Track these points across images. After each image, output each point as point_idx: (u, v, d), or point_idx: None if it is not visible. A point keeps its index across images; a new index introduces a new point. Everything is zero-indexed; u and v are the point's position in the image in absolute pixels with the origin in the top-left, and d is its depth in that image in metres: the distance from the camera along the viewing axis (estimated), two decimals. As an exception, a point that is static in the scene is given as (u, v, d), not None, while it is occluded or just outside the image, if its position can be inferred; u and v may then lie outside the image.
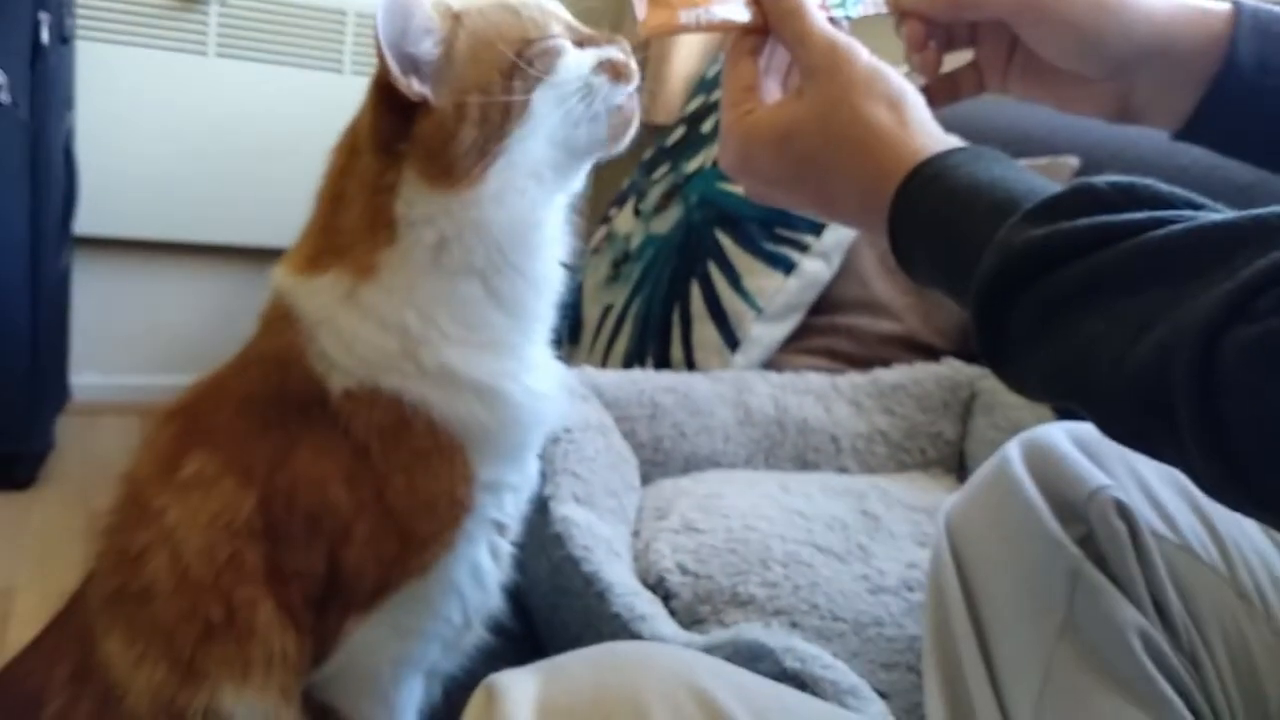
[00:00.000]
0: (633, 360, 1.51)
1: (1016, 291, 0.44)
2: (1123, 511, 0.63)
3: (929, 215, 0.50)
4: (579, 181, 0.79)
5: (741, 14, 0.60)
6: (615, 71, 0.74)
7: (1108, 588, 0.62)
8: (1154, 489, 0.69)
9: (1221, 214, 0.42)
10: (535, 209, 0.74)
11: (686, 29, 0.61)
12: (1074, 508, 0.65)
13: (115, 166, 1.87)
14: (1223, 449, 0.37)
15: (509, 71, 0.71)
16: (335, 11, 1.95)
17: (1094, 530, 0.64)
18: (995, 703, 0.65)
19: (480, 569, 0.80)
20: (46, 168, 1.62)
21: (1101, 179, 0.45)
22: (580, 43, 0.75)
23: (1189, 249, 0.40)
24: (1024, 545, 0.67)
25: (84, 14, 1.78)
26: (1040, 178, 0.50)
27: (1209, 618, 0.63)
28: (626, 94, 0.75)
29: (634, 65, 0.75)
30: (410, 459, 0.74)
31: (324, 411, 0.74)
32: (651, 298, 1.54)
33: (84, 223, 1.79)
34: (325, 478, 0.74)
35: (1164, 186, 0.45)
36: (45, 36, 1.55)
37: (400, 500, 0.74)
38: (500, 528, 0.81)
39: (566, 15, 0.77)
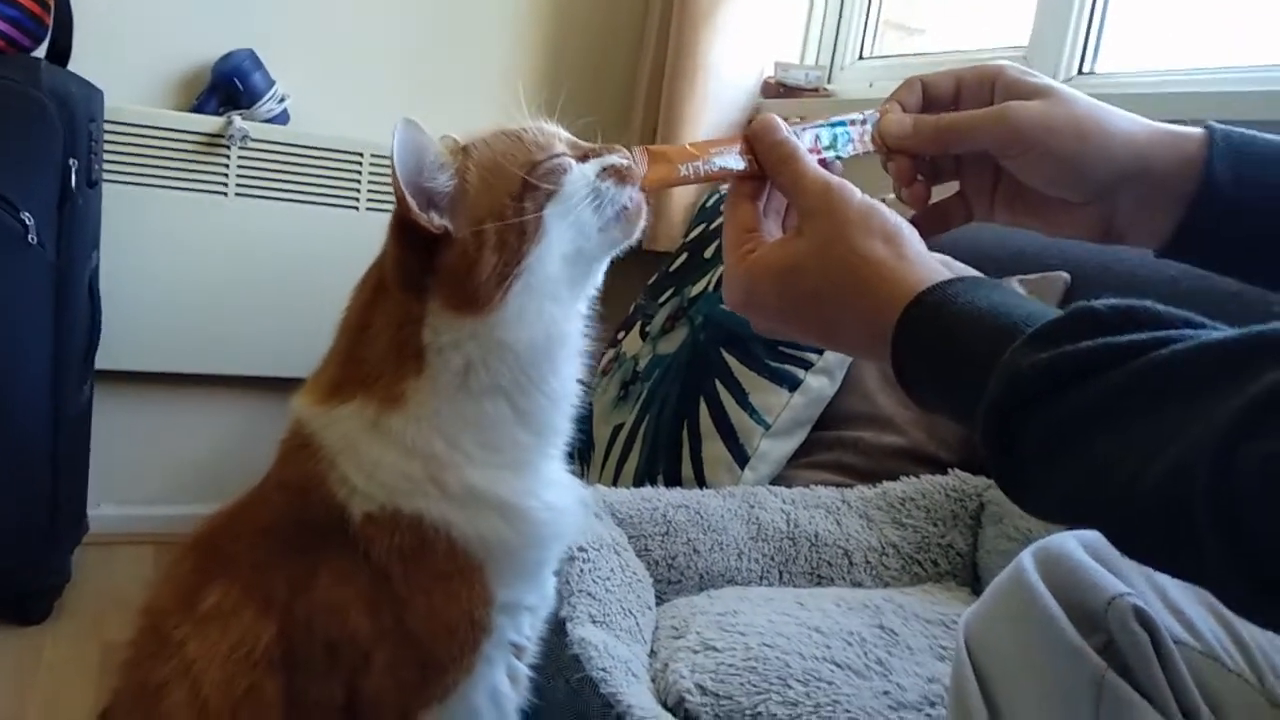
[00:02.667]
0: (643, 479, 1.52)
1: (1024, 416, 0.44)
2: (1143, 618, 0.62)
3: (931, 344, 0.52)
4: (595, 284, 0.80)
5: (737, 163, 0.64)
6: (619, 175, 0.76)
7: (1134, 698, 0.61)
8: (1172, 596, 0.68)
9: (1224, 331, 0.42)
10: (556, 323, 0.76)
11: (686, 180, 0.66)
12: (1093, 616, 0.64)
13: (138, 302, 1.93)
14: (1249, 567, 0.36)
15: (519, 194, 0.73)
16: (352, 152, 2.04)
17: (1115, 639, 0.63)
18: (1027, 820, 0.63)
19: (498, 693, 0.80)
20: (70, 306, 1.67)
21: (1100, 302, 0.46)
22: (583, 157, 0.77)
23: (1196, 366, 0.40)
24: (1045, 656, 0.66)
25: (111, 158, 1.86)
26: (1037, 303, 0.51)
27: (1240, 727, 0.62)
28: (631, 194, 0.76)
29: (635, 167, 0.76)
30: (431, 582, 0.74)
31: (344, 537, 0.75)
32: (660, 416, 1.56)
33: (105, 357, 1.83)
34: (345, 604, 0.75)
35: (1162, 307, 0.45)
36: (74, 181, 1.62)
37: (420, 624, 0.75)
38: (518, 650, 0.81)
39: (566, 134, 0.80)
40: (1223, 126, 0.62)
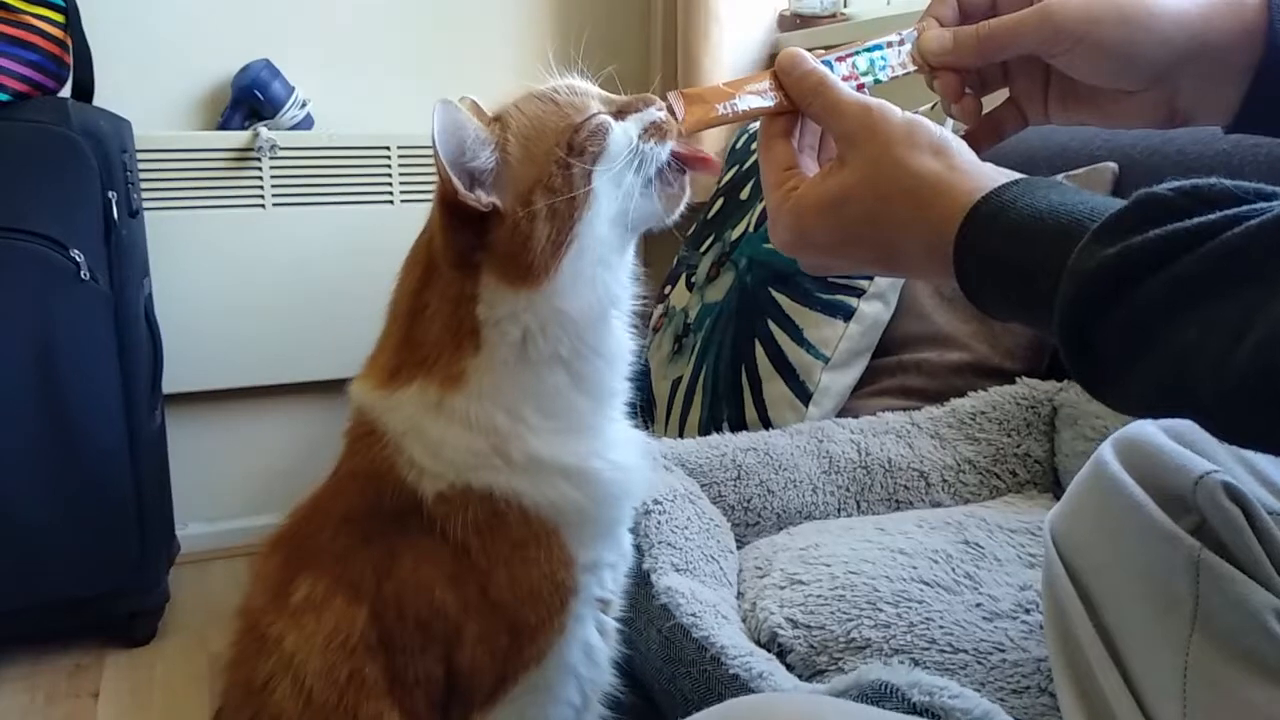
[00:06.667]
0: (708, 429, 1.51)
1: (1099, 315, 0.43)
2: (1233, 494, 0.62)
3: (995, 253, 0.50)
4: (631, 252, 0.80)
5: (768, 99, 0.62)
6: (660, 132, 0.76)
7: (1234, 573, 0.60)
8: (1261, 467, 0.68)
9: None
10: (608, 287, 0.77)
11: (724, 120, 0.64)
12: (1182, 499, 0.64)
13: (193, 323, 1.97)
14: None
15: (565, 160, 0.73)
16: (379, 147, 2.04)
17: (1207, 518, 0.62)
18: (1137, 708, 0.63)
19: (592, 648, 0.81)
20: (130, 335, 1.70)
21: (1165, 185, 0.44)
22: (618, 113, 0.76)
23: (1273, 243, 0.39)
24: (1137, 544, 0.65)
25: (147, 186, 1.89)
26: (1100, 196, 0.49)
27: (1341, 589, 0.61)
28: (670, 149, 0.76)
29: (673, 121, 0.75)
30: (509, 551, 0.75)
31: (420, 518, 0.76)
32: (717, 364, 1.55)
33: (170, 381, 1.87)
34: (430, 582, 0.76)
35: (1230, 182, 0.43)
36: (115, 213, 1.65)
37: (505, 593, 0.76)
38: (605, 604, 0.82)
39: (596, 89, 0.79)
40: None
